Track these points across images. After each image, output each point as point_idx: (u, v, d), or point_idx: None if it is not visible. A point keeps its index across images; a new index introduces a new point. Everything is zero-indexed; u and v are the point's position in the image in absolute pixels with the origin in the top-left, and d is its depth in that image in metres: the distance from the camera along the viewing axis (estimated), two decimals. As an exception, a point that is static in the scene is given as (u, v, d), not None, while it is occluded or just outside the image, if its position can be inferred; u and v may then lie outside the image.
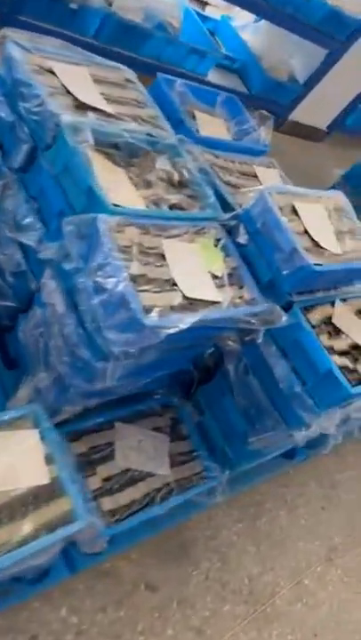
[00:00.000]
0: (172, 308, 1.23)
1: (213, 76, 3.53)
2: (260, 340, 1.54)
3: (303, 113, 4.16)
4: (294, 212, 1.54)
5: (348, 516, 2.29)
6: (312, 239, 1.51)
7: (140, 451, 1.50)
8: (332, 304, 1.62)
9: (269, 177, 1.88)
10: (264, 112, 2.00)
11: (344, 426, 2.03)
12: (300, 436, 1.56)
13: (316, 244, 1.51)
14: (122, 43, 2.86)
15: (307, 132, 4.37)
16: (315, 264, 1.44)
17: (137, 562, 1.62)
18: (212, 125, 1.94)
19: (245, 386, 1.61)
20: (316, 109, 4.20)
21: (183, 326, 1.19)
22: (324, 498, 2.27)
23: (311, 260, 1.44)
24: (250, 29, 3.83)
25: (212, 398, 1.73)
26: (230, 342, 1.53)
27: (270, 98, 3.84)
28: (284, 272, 1.46)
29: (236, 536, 1.89)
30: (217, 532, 1.86)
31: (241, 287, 1.43)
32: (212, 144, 1.81)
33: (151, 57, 3.04)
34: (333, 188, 2.84)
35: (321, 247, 1.51)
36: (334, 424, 1.53)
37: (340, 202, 1.75)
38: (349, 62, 3.84)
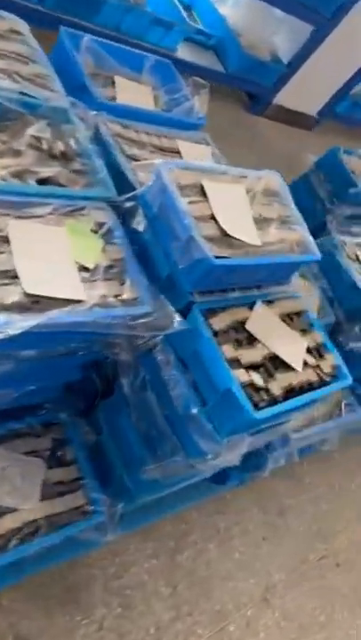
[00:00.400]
0: (6, 308, 0.96)
1: (185, 52, 3.23)
2: (157, 349, 1.27)
3: (289, 97, 3.85)
4: (203, 192, 1.26)
5: (295, 547, 2.00)
6: (220, 226, 1.22)
7: (3, 480, 1.23)
8: (252, 306, 1.33)
9: (196, 154, 1.59)
10: (198, 79, 1.71)
11: (286, 447, 1.77)
12: (205, 467, 1.28)
13: (225, 233, 1.23)
14: (71, 9, 2.58)
15: (294, 119, 4.06)
16: (217, 257, 1.16)
17: (7, 609, 1.35)
18: (134, 92, 1.65)
19: (143, 403, 1.34)
20: (304, 93, 3.88)
21: (13, 332, 0.92)
22: (268, 526, 1.98)
23: (214, 251, 1.16)
24: (229, 3, 3.53)
25: (111, 414, 1.45)
26: (117, 351, 1.25)
27: (250, 78, 3.55)
28: (181, 266, 1.19)
29: (147, 575, 1.61)
30: (123, 570, 1.58)
31: (122, 283, 1.15)
32: (127, 114, 1.53)
33: (108, 27, 2.76)
34: (306, 174, 2.55)
35: (231, 236, 1.23)
36: (239, 454, 1.24)
37: (272, 183, 1.46)
38: (338, 41, 3.52)
